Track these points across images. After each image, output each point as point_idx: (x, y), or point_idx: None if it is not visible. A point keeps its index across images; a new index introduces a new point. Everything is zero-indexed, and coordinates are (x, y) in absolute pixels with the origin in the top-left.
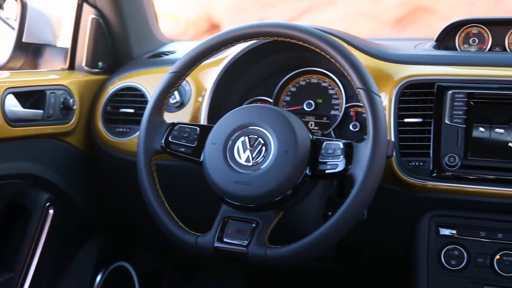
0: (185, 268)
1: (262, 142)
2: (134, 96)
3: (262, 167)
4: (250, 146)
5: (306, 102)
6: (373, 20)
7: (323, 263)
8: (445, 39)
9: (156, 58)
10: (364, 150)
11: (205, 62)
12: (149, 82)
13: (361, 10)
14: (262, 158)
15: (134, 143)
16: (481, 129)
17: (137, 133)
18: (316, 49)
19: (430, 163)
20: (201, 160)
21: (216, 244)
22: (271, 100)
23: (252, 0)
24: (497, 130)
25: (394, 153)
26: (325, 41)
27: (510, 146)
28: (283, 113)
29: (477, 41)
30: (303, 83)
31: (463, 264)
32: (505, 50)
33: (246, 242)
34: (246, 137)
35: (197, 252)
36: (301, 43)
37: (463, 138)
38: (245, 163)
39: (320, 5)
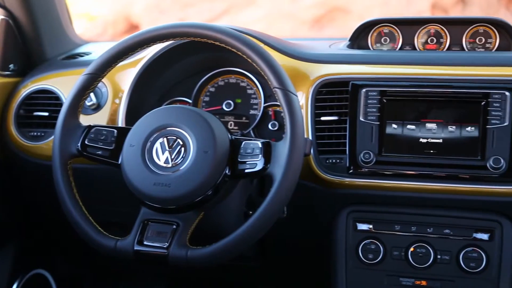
0: (107, 273)
1: (181, 143)
2: (48, 99)
3: (181, 168)
4: (169, 147)
5: (225, 102)
6: (292, 20)
7: (245, 262)
8: (358, 38)
9: (70, 59)
10: (282, 148)
11: (122, 63)
12: (63, 84)
13: (281, 10)
14: (181, 159)
15: (49, 147)
16: (394, 125)
17: (52, 137)
18: (232, 49)
19: (346, 160)
20: (119, 162)
21: (136, 248)
22: (190, 101)
23: (171, 0)
24: (409, 126)
25: (311, 151)
26: (241, 41)
27: (421, 141)
28: (202, 113)
29: (388, 40)
30: (221, 83)
31: (379, 258)
32: (415, 48)
33: (167, 244)
34: (165, 138)
35: (117, 256)
36: (217, 43)
37: (377, 135)
38: (164, 165)
39: (240, 5)
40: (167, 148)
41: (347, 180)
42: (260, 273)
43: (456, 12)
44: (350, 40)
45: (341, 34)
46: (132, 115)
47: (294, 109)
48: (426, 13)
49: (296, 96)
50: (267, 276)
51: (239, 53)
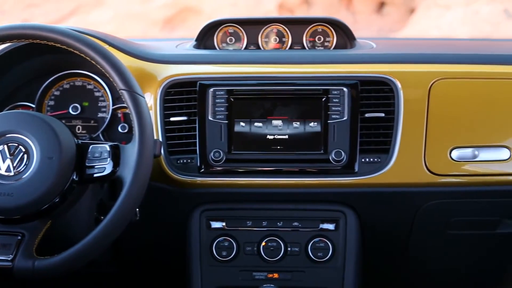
0: None
1: (24, 150)
2: None
3: (24, 176)
4: (10, 155)
5: (71, 106)
6: (143, 21)
7: (98, 268)
8: (204, 38)
9: None
10: (131, 151)
11: None
12: None
13: (130, 11)
14: (24, 166)
15: None
16: (242, 123)
17: None
18: (75, 51)
19: (197, 160)
20: None
21: None
22: (34, 106)
23: (14, 0)
24: (256, 124)
25: (162, 152)
26: (84, 42)
27: (268, 138)
28: (44, 118)
29: (234, 40)
30: (67, 86)
31: (233, 254)
32: (259, 48)
33: (11, 256)
34: (5, 146)
35: None
36: (59, 45)
37: (226, 133)
38: (6, 173)
39: (88, 6)
40: (8, 156)
41: (199, 179)
42: (115, 281)
43: (301, 12)
44: (196, 40)
45: (193, 34)
46: None
47: (141, 111)
48: (273, 13)
49: (144, 97)
50: (122, 284)
51: (83, 55)
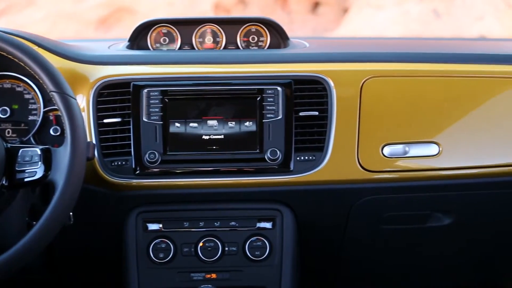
0: None
1: None
2: None
3: None
4: None
5: (0, 109)
6: (76, 21)
7: (31, 274)
8: (138, 39)
9: None
10: (63, 154)
11: None
12: None
13: (63, 11)
14: None
15: None
16: (177, 124)
17: None
18: (3, 53)
19: (132, 162)
20: None
21: None
22: None
23: None
24: (191, 124)
25: (96, 155)
26: (11, 44)
27: (204, 138)
28: None
29: (167, 40)
30: None
31: (170, 256)
32: (193, 48)
33: None
34: None
35: None
36: None
37: (161, 135)
38: None
39: (18, 5)
40: None
41: (135, 181)
42: (51, 286)
43: (237, 12)
44: (129, 41)
45: (128, 35)
46: None
47: (73, 113)
48: (209, 13)
49: (75, 99)
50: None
51: (10, 56)
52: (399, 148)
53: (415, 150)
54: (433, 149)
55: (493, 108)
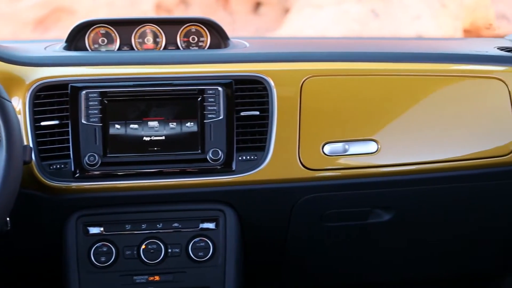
0: None
1: None
2: None
3: None
4: None
5: None
6: (13, 22)
7: None
8: (75, 39)
9: None
10: None
11: None
12: None
13: None
14: None
15: None
16: (117, 126)
17: None
18: None
19: (71, 164)
20: None
21: None
22: None
23: None
24: (132, 125)
25: (33, 158)
26: None
27: (145, 140)
28: None
29: (106, 41)
30: None
31: (112, 259)
32: (133, 48)
33: None
34: None
35: None
36: None
37: (101, 137)
38: None
39: None
40: None
41: (74, 185)
42: None
43: (179, 13)
44: (66, 41)
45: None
46: None
47: (8, 116)
48: (150, 14)
49: (10, 102)
50: None
51: None
52: (339, 146)
53: (354, 148)
54: (372, 147)
55: (428, 106)
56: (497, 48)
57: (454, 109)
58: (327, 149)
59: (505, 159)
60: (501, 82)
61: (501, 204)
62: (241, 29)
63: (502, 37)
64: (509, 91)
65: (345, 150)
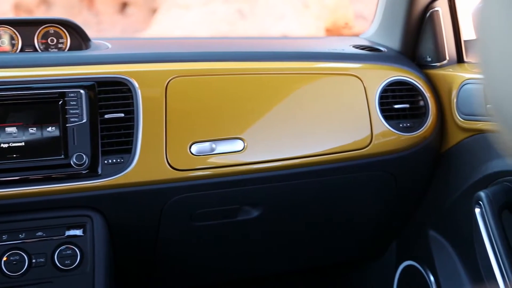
0: None
1: None
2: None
3: None
4: None
5: None
6: None
7: None
8: None
9: None
10: None
11: None
12: None
13: None
14: None
15: None
16: None
17: None
18: None
19: None
20: None
21: None
22: None
23: None
24: None
25: None
26: None
27: (2, 147)
28: None
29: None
30: None
31: None
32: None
33: None
34: None
35: None
36: None
37: None
38: None
39: None
40: None
41: None
42: None
43: (40, 13)
44: None
45: None
46: None
47: None
48: (9, 14)
49: None
50: None
51: None
52: (206, 145)
53: (221, 147)
54: (238, 145)
55: (292, 103)
56: (353, 46)
57: (316, 105)
58: (195, 149)
59: (365, 152)
60: (357, 78)
61: (364, 195)
62: (107, 29)
63: (358, 35)
64: (364, 87)
65: (212, 150)
